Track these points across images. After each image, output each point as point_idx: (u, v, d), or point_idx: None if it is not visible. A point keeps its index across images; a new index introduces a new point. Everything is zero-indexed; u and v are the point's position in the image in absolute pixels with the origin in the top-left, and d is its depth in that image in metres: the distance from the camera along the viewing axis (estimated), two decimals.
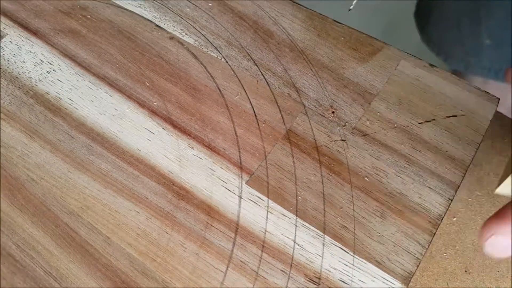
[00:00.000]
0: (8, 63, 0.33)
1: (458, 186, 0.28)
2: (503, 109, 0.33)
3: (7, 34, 0.34)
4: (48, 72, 0.33)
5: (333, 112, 0.31)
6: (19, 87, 0.32)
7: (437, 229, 0.27)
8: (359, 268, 0.26)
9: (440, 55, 0.52)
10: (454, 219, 0.27)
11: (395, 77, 0.31)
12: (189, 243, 0.27)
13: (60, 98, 0.31)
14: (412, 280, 0.25)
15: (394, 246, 0.26)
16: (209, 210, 0.28)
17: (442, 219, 0.27)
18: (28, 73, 0.33)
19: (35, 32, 0.34)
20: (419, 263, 0.26)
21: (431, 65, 0.32)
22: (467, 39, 0.43)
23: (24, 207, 0.28)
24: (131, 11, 0.35)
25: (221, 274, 0.26)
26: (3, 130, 0.30)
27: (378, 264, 0.26)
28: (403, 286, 0.25)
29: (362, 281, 0.25)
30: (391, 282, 0.25)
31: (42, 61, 0.33)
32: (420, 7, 0.56)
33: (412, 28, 0.57)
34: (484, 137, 0.29)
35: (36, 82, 0.32)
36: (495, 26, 0.42)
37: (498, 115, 0.31)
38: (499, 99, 0.30)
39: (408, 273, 0.26)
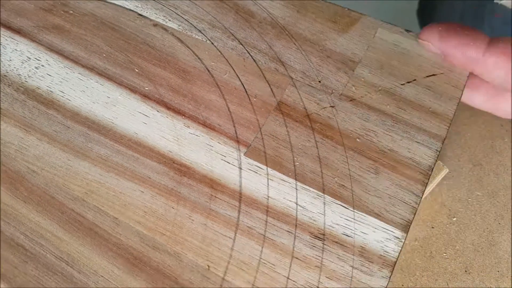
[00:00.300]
0: None
1: (444, 139, 0.29)
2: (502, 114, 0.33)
3: None
4: (36, 67, 0.33)
5: (319, 82, 0.32)
6: (9, 85, 0.32)
7: (428, 179, 0.28)
8: (360, 221, 0.27)
9: None
10: (454, 219, 0.28)
11: (374, 44, 0.33)
12: (195, 215, 0.27)
13: (51, 92, 0.32)
14: (412, 280, 0.26)
15: (390, 198, 0.28)
16: (211, 183, 0.28)
17: (432, 169, 0.29)
18: (16, 70, 0.33)
19: (18, 31, 0.35)
20: (415, 212, 0.27)
21: (407, 30, 0.33)
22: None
23: (28, 198, 0.28)
24: (112, 3, 0.36)
25: (230, 240, 0.27)
26: None
27: (377, 216, 0.27)
28: (403, 234, 0.27)
29: (364, 233, 0.27)
30: (391, 231, 0.27)
31: (29, 58, 0.33)
32: (423, 5, 0.57)
33: (412, 27, 0.58)
34: (484, 137, 0.31)
35: (25, 79, 0.32)
36: (497, 24, 0.43)
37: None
38: None
39: (406, 221, 0.27)
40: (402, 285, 0.28)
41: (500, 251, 0.27)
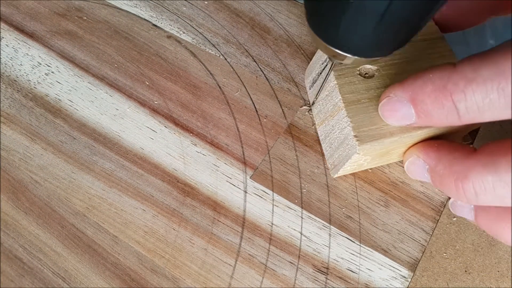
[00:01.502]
0: (6, 67, 0.33)
1: None
2: None
3: (3, 37, 0.34)
4: (46, 74, 0.32)
5: None
6: (18, 90, 0.32)
7: (440, 216, 0.27)
8: (366, 257, 0.26)
9: None
10: (454, 219, 0.28)
11: None
12: (196, 238, 0.27)
13: (60, 100, 0.31)
14: (412, 280, 0.26)
15: (399, 234, 0.27)
16: (215, 206, 0.28)
17: (445, 206, 0.28)
18: (26, 75, 0.32)
19: (31, 35, 0.34)
20: (425, 250, 0.26)
21: None
22: (471, 38, 0.43)
23: (29, 209, 0.28)
24: (127, 11, 0.35)
25: (230, 268, 0.26)
26: (4, 133, 0.30)
27: (385, 252, 0.26)
28: (410, 273, 0.26)
29: (369, 269, 0.26)
30: (398, 270, 0.26)
31: (40, 64, 0.33)
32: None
33: None
34: (483, 138, 0.30)
35: (34, 85, 0.32)
36: (499, 26, 0.42)
37: None
38: None
39: (414, 260, 0.26)
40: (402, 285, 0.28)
41: (500, 251, 0.27)
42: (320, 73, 0.28)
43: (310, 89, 0.30)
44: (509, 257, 0.27)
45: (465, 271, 0.26)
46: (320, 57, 0.28)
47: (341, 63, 0.24)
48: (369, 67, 0.26)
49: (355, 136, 0.24)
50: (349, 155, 0.25)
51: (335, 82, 0.26)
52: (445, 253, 0.27)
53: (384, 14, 0.18)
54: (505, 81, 0.19)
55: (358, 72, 0.26)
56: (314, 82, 0.29)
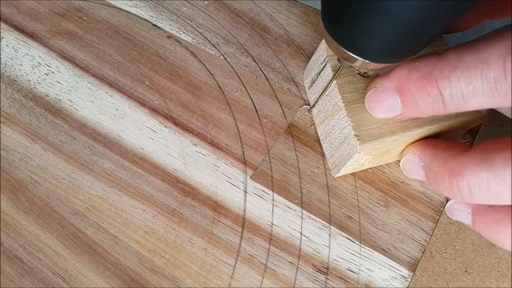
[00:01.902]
0: (6, 66, 0.33)
1: None
2: (503, 109, 0.33)
3: (3, 37, 0.34)
4: (46, 74, 0.32)
5: None
6: (18, 90, 0.32)
7: (440, 216, 0.27)
8: (366, 257, 0.26)
9: None
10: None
11: None
12: (196, 238, 0.27)
13: (60, 100, 0.31)
14: (412, 280, 0.26)
15: (399, 234, 0.27)
16: (215, 206, 0.28)
17: (445, 206, 0.28)
18: (26, 75, 0.32)
19: (31, 35, 0.34)
20: (424, 250, 0.26)
21: None
22: (470, 39, 0.43)
23: (29, 209, 0.28)
24: (127, 11, 0.35)
25: (230, 268, 0.26)
26: (4, 133, 0.30)
27: (385, 252, 0.26)
28: (410, 273, 0.26)
29: (369, 269, 0.26)
30: (398, 270, 0.26)
31: (40, 64, 0.33)
32: None
33: None
34: (483, 138, 0.30)
35: (34, 85, 0.32)
36: (497, 25, 0.42)
37: (497, 115, 0.31)
38: None
39: (414, 260, 0.26)
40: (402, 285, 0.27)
41: (500, 251, 0.27)
42: (319, 73, 0.28)
43: (309, 89, 0.30)
44: (509, 257, 0.27)
45: (465, 271, 0.26)
46: (319, 57, 0.28)
47: (351, 66, 0.24)
48: None
49: (355, 135, 0.24)
50: (350, 154, 0.25)
51: (334, 81, 0.26)
52: (445, 253, 0.27)
53: (407, 22, 0.18)
54: (487, 67, 0.19)
55: (357, 72, 0.26)
56: (313, 82, 0.29)
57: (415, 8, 0.18)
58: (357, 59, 0.22)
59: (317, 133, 0.30)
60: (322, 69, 0.28)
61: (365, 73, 0.26)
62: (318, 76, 0.29)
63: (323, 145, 0.29)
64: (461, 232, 0.27)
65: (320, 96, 0.28)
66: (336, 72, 0.26)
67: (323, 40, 0.27)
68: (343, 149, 0.26)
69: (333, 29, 0.22)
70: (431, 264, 0.26)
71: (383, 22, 0.19)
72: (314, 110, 0.30)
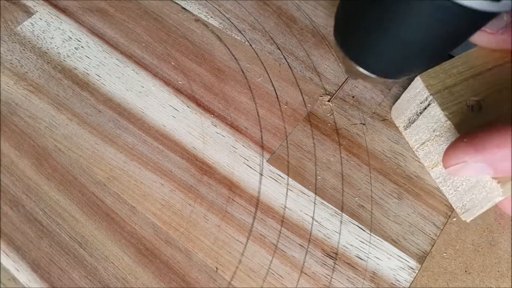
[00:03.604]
0: (38, 39, 0.34)
1: None
2: None
3: (37, 11, 0.35)
4: (76, 48, 0.33)
5: (353, 97, 0.31)
6: (48, 62, 0.33)
7: (452, 212, 0.28)
8: (375, 246, 0.27)
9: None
10: (454, 219, 0.28)
11: None
12: (211, 215, 0.27)
13: (88, 74, 0.32)
14: (412, 280, 0.26)
15: (410, 226, 0.27)
16: (230, 185, 0.28)
17: None
18: (57, 48, 0.34)
19: (64, 10, 0.35)
20: (434, 243, 0.27)
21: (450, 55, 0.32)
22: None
23: (51, 175, 0.29)
24: None
25: (242, 246, 0.27)
26: (32, 102, 0.31)
27: (394, 242, 0.27)
28: (418, 265, 0.26)
29: (378, 258, 0.26)
30: (406, 260, 0.26)
31: (71, 38, 0.34)
32: None
33: None
34: None
35: (64, 58, 0.33)
36: None
37: None
38: None
39: (423, 252, 0.26)
40: None
41: (500, 251, 0.27)
42: (421, 113, 0.27)
43: (406, 129, 0.29)
44: (509, 257, 0.27)
45: (465, 271, 0.26)
46: (416, 95, 0.27)
47: (358, 80, 0.24)
48: (473, 99, 0.25)
49: (494, 178, 0.22)
50: (489, 198, 0.23)
51: (449, 122, 0.24)
52: (445, 253, 0.27)
53: (420, 42, 0.19)
54: None
55: (465, 105, 0.25)
56: (411, 122, 0.28)
57: (422, 33, 0.18)
58: (368, 75, 0.22)
59: (336, 123, 0.30)
60: (425, 108, 0.26)
61: (472, 106, 0.25)
62: (419, 116, 0.27)
63: (441, 187, 0.27)
64: (461, 232, 0.28)
65: (428, 139, 0.27)
66: (447, 115, 0.24)
67: (418, 78, 0.26)
68: (476, 193, 0.24)
69: (346, 46, 0.22)
70: (431, 264, 0.26)
71: (391, 42, 0.19)
72: (421, 152, 0.28)
